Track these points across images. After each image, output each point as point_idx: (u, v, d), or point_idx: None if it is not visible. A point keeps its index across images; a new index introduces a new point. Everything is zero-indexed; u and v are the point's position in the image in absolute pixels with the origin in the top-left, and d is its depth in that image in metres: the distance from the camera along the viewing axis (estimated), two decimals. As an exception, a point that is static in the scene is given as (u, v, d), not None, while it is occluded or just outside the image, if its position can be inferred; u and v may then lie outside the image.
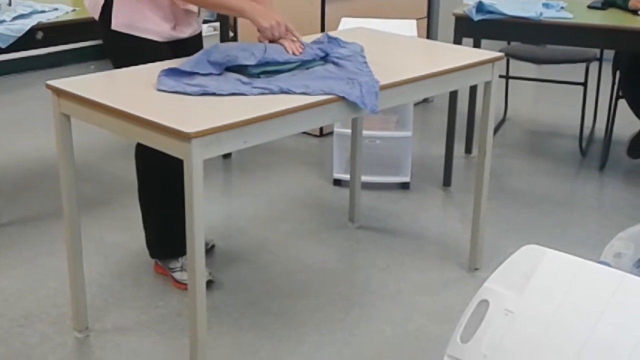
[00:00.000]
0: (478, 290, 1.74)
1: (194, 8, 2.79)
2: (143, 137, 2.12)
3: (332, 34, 2.83)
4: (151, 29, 2.69)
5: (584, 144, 4.42)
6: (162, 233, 2.93)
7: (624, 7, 3.88)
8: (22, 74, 5.69)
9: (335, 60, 2.59)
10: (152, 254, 3.00)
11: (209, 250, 3.17)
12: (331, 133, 4.08)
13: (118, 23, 2.67)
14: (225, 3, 2.60)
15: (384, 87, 2.43)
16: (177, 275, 2.92)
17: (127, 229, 3.35)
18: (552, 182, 4.00)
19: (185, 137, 1.97)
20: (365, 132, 3.68)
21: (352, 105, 2.33)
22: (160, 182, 2.82)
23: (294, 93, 2.29)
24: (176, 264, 2.94)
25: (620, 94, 4.18)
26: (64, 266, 2.70)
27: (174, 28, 2.75)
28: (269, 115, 2.14)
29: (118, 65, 2.62)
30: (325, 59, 2.59)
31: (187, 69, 2.38)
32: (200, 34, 2.92)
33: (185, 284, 2.82)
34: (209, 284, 2.84)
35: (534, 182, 4.00)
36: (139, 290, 2.91)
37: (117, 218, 3.49)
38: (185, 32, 2.80)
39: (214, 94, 2.25)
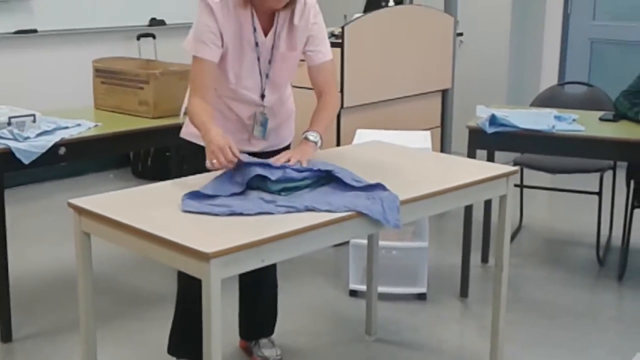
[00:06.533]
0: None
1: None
2: (162, 256, 2.14)
3: (348, 147, 2.88)
4: None
5: (601, 253, 4.40)
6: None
7: (636, 120, 3.87)
8: (42, 183, 5.76)
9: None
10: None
11: None
12: (347, 243, 4.08)
13: (185, 132, 2.89)
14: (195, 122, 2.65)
15: (403, 202, 2.45)
16: None
17: (142, 343, 3.33)
18: (571, 292, 3.96)
19: (204, 257, 1.99)
20: (381, 243, 3.68)
21: (374, 221, 2.35)
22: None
23: (319, 210, 2.31)
24: None
25: (636, 203, 4.19)
26: (79, 383, 2.67)
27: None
28: (288, 233, 2.17)
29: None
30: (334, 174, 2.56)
31: (209, 192, 2.40)
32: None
33: None
34: None
35: (552, 292, 3.96)
36: (154, 407, 2.86)
37: (132, 331, 3.47)
38: (256, 146, 2.88)
39: (241, 214, 2.26)
